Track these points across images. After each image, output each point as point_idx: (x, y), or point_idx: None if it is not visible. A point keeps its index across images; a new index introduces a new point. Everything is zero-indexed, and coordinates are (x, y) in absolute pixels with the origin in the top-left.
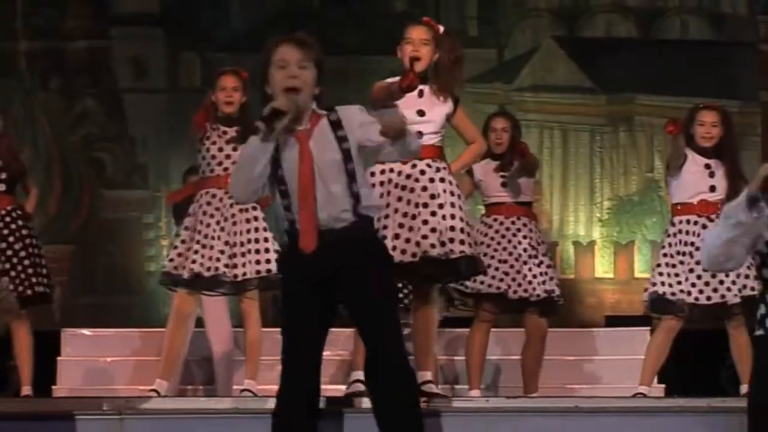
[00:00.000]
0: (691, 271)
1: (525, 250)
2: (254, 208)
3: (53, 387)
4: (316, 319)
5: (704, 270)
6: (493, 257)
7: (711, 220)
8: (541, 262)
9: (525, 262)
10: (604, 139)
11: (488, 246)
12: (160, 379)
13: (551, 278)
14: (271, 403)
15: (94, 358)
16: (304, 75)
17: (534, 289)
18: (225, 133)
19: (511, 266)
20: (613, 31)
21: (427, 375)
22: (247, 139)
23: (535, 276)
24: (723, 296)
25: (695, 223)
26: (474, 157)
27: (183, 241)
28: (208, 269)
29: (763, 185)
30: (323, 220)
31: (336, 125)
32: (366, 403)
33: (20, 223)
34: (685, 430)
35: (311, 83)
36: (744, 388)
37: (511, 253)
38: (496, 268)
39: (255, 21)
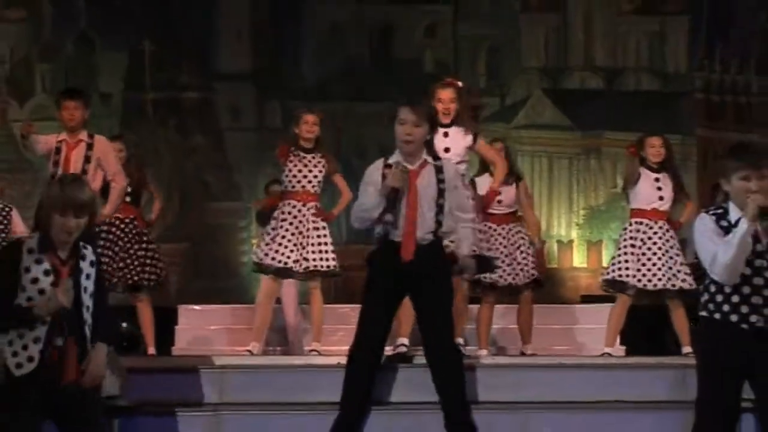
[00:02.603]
0: (643, 264)
1: (512, 243)
2: (322, 220)
3: (172, 348)
4: (388, 302)
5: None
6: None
7: (660, 226)
8: (526, 254)
9: (515, 258)
10: (580, 165)
11: (494, 249)
12: (254, 342)
13: (532, 266)
14: (333, 360)
15: (202, 327)
16: (416, 132)
17: (517, 275)
18: (304, 158)
19: (503, 261)
20: (586, 84)
21: (458, 340)
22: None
23: (519, 263)
24: (664, 285)
25: (647, 225)
26: (503, 172)
27: (273, 240)
28: (279, 261)
29: (754, 216)
30: (415, 236)
31: (439, 170)
32: (409, 360)
33: (136, 230)
34: (641, 381)
35: (422, 137)
36: (684, 349)
37: (503, 252)
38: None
39: (322, 75)
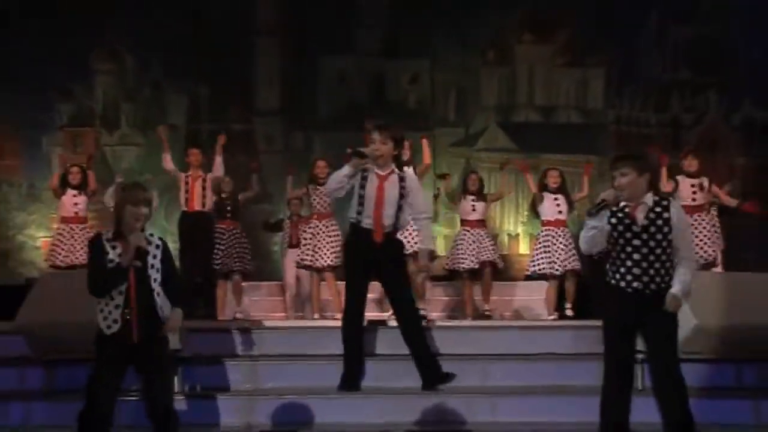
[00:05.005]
0: (551, 256)
1: (480, 242)
2: (334, 225)
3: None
4: (363, 276)
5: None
6: (465, 250)
7: (560, 230)
8: (490, 247)
9: (483, 245)
10: (524, 178)
11: (468, 246)
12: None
13: (496, 255)
14: (339, 323)
15: (244, 299)
16: (383, 148)
17: (480, 261)
18: (320, 191)
19: (473, 250)
20: (529, 118)
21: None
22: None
23: (485, 253)
24: (566, 267)
25: (552, 231)
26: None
27: (305, 246)
28: (303, 259)
29: (597, 205)
30: (381, 225)
31: (402, 180)
32: (386, 323)
33: (238, 237)
34: (568, 338)
35: (388, 152)
36: (568, 311)
37: (472, 245)
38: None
39: (332, 111)
